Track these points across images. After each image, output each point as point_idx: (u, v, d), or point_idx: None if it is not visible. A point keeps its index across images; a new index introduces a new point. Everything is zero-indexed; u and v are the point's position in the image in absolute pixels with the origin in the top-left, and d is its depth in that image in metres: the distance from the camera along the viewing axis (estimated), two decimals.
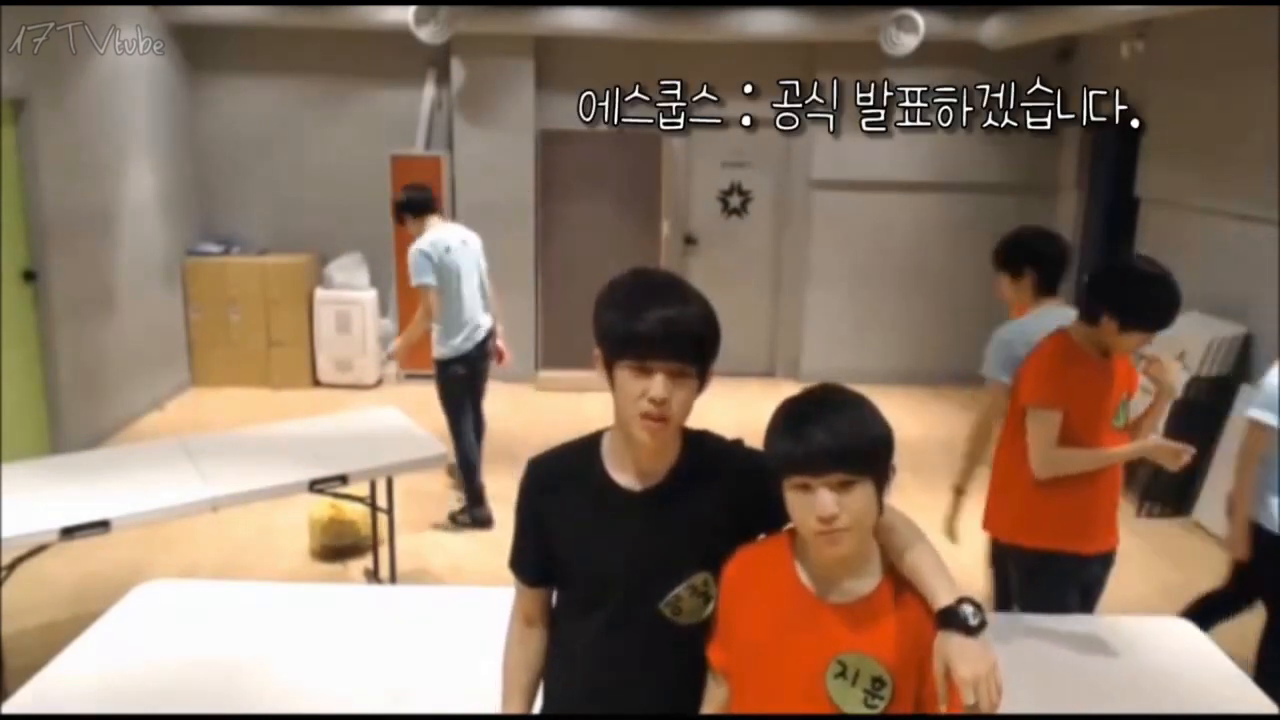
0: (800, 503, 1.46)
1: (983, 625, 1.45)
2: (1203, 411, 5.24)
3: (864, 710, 1.47)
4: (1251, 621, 4.23)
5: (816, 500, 1.43)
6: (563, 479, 1.69)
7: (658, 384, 1.52)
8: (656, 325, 1.51)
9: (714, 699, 1.64)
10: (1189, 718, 2.26)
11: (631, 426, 1.57)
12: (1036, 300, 3.30)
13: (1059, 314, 3.13)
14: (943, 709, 1.46)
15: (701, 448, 1.67)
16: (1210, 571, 4.73)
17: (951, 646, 1.44)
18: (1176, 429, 5.30)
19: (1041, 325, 3.07)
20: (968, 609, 1.46)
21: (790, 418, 1.49)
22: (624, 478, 1.64)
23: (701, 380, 1.59)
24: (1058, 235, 3.49)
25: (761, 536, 1.65)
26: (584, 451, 1.68)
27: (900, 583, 1.53)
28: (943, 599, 1.48)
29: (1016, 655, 2.45)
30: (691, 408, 1.59)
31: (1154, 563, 4.80)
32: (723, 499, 1.63)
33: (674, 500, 1.62)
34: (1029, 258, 3.30)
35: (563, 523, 1.67)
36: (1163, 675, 2.45)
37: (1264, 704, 2.33)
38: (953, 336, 7.91)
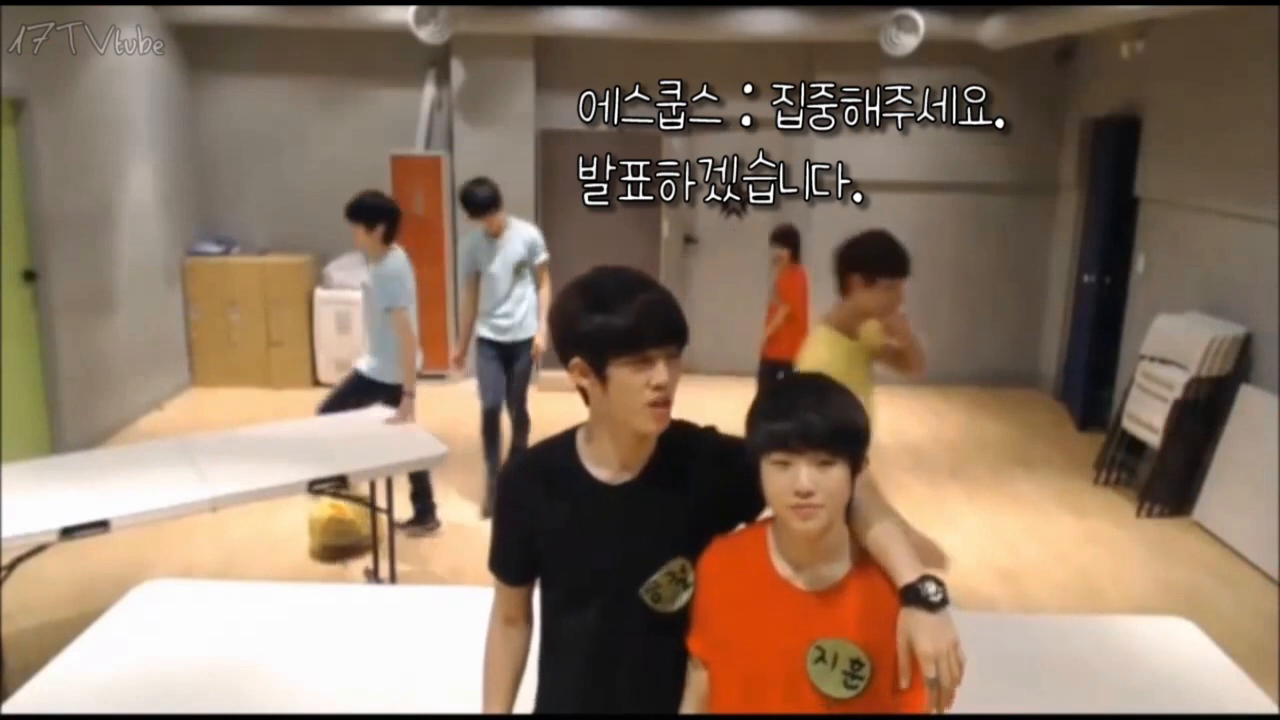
0: (778, 479, 1.49)
1: (944, 602, 1.47)
2: (1203, 411, 5.24)
3: (844, 691, 1.50)
4: (1251, 621, 4.24)
5: (795, 476, 1.47)
6: (542, 478, 1.69)
7: (660, 371, 1.55)
8: (647, 314, 1.54)
9: (695, 687, 1.66)
10: (1189, 718, 2.26)
11: (638, 420, 1.58)
12: (385, 245, 4.53)
13: (401, 253, 4.59)
14: (904, 684, 1.48)
15: (676, 436, 1.67)
16: (1211, 571, 4.74)
17: (913, 622, 1.47)
18: (1177, 429, 5.33)
19: (398, 262, 4.53)
20: (930, 586, 1.48)
21: (779, 399, 1.55)
22: (603, 472, 1.65)
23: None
24: (392, 198, 4.76)
25: (740, 526, 1.67)
26: (559, 450, 1.69)
27: (871, 564, 1.56)
28: (905, 576, 1.50)
29: (1016, 655, 2.45)
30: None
31: (1154, 563, 4.80)
32: (700, 485, 1.65)
33: (653, 489, 1.64)
34: (379, 214, 4.53)
35: (546, 521, 1.67)
36: (1163, 675, 2.45)
37: (1264, 704, 2.33)
38: (954, 336, 7.93)
